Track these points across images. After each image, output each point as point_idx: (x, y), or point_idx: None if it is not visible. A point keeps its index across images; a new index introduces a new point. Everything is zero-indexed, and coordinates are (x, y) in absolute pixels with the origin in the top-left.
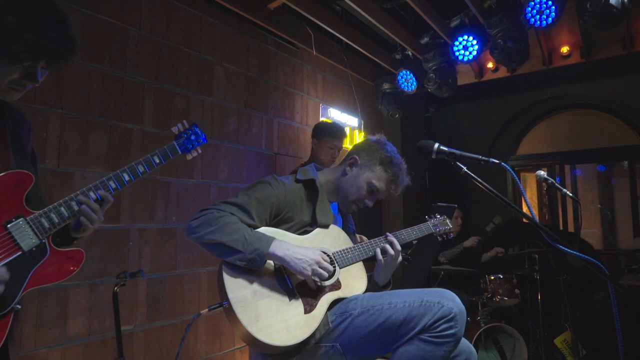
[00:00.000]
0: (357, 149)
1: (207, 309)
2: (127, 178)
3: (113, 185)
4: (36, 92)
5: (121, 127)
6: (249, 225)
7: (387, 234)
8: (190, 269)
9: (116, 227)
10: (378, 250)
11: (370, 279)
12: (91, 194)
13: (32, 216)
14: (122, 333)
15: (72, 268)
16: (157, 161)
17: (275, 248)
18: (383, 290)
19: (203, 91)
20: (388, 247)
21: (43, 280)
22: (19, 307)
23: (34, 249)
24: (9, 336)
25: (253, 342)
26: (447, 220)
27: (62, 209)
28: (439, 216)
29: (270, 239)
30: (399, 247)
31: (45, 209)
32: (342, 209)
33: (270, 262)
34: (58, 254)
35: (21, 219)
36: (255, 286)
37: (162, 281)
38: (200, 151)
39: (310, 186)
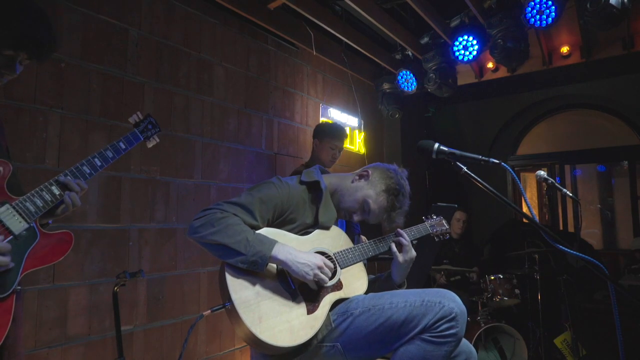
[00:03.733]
0: (375, 166)
1: (209, 310)
2: (99, 163)
3: (87, 171)
4: (36, 92)
5: (121, 127)
6: (252, 226)
7: (398, 229)
8: (190, 269)
9: (116, 227)
10: (392, 245)
11: (387, 278)
12: (68, 178)
13: (16, 201)
14: (122, 333)
15: (64, 249)
16: (123, 147)
17: (278, 251)
18: (399, 289)
19: (203, 91)
20: (402, 239)
21: (39, 262)
22: (20, 288)
23: (24, 232)
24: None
25: (256, 343)
26: (444, 221)
27: (44, 193)
28: (435, 217)
29: (272, 242)
30: (406, 242)
31: (28, 194)
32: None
33: (273, 264)
34: (48, 237)
35: (7, 204)
36: (258, 287)
37: (162, 281)
38: (158, 140)
39: (314, 188)
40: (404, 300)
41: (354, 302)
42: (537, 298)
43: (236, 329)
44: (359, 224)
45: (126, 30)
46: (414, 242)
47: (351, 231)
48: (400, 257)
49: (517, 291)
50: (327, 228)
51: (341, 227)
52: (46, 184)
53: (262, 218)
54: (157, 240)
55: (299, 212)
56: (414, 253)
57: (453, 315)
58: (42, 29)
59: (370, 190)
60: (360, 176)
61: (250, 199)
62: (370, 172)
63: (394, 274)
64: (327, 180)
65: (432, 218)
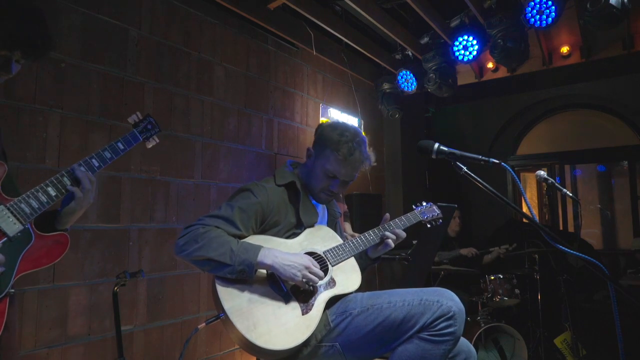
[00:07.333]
0: (315, 141)
1: (204, 323)
2: (96, 164)
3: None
4: (36, 92)
5: (121, 127)
6: (236, 236)
7: (381, 229)
8: (190, 269)
9: (116, 227)
10: (387, 239)
11: (361, 254)
12: (65, 179)
13: (11, 203)
14: (122, 333)
15: (59, 251)
16: (122, 147)
17: (264, 257)
18: (373, 262)
19: (203, 91)
20: (389, 241)
21: (33, 264)
22: (13, 291)
23: (18, 234)
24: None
25: (254, 350)
26: (434, 207)
27: (40, 194)
28: (425, 204)
29: (257, 248)
30: (399, 235)
31: (24, 195)
32: (316, 201)
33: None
34: (44, 239)
35: (1, 206)
36: (250, 294)
37: (162, 281)
38: (157, 140)
39: (291, 187)
40: (402, 300)
41: (352, 301)
42: (537, 298)
43: (233, 338)
44: (338, 207)
45: (126, 30)
46: (414, 241)
47: (333, 221)
48: (392, 245)
49: (517, 291)
50: (313, 227)
51: (322, 218)
52: (42, 184)
53: (244, 227)
54: (157, 240)
55: (281, 215)
56: (404, 234)
57: (451, 314)
58: (35, 27)
59: (320, 159)
60: (308, 157)
61: (229, 210)
62: (310, 148)
63: (372, 252)
64: (298, 174)
65: (421, 205)
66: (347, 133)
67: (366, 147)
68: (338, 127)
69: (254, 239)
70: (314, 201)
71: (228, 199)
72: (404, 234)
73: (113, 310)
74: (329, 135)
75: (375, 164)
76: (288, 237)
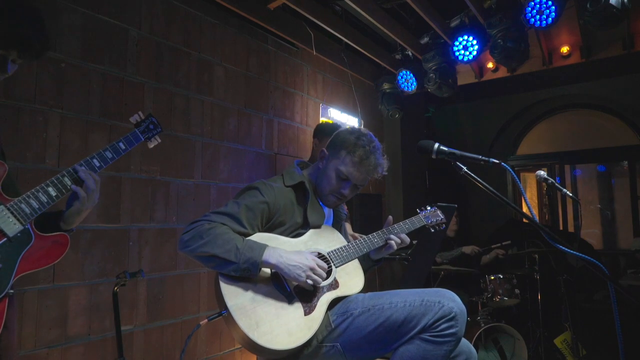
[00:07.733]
0: (328, 142)
1: (206, 320)
2: (97, 164)
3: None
4: (36, 92)
5: (121, 127)
6: (241, 234)
7: (385, 231)
8: (190, 269)
9: (116, 227)
10: (391, 241)
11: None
12: (66, 179)
13: (11, 203)
14: (122, 333)
15: (59, 252)
16: (123, 147)
17: (269, 256)
18: (375, 263)
19: (203, 91)
20: (393, 242)
21: (32, 265)
22: (12, 291)
23: (18, 234)
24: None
25: (255, 348)
26: (438, 212)
27: (40, 194)
28: (429, 208)
29: (262, 247)
30: (403, 240)
31: (24, 195)
32: (324, 204)
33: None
34: (44, 239)
35: (2, 206)
36: (254, 292)
37: (162, 281)
38: (159, 140)
39: (300, 188)
40: (404, 300)
41: (353, 302)
42: (537, 298)
43: (235, 336)
44: (345, 208)
45: (126, 30)
46: (414, 241)
47: (338, 223)
48: (395, 248)
49: (517, 291)
50: (319, 227)
51: (328, 219)
52: (42, 185)
53: (250, 225)
54: (157, 240)
55: (287, 215)
56: (408, 240)
57: (452, 314)
58: (32, 27)
59: (334, 160)
60: (322, 158)
61: (236, 208)
62: (325, 149)
63: (375, 254)
64: (307, 175)
65: (426, 209)
66: (364, 137)
67: (381, 154)
68: (355, 132)
69: (258, 237)
70: (321, 203)
71: (235, 196)
72: (408, 240)
73: (113, 310)
74: (345, 138)
75: (386, 173)
76: (293, 237)
